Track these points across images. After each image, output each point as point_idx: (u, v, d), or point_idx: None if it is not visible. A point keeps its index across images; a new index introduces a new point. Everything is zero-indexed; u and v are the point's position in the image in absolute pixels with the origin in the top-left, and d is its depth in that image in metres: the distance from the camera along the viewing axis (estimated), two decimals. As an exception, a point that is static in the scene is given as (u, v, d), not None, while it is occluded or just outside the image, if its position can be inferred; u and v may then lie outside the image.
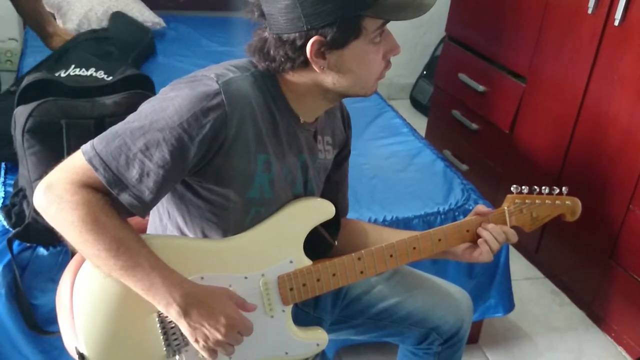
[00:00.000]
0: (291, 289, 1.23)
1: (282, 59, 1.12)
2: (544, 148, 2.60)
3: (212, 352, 1.12)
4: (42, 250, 1.66)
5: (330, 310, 1.44)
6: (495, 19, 2.89)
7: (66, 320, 1.21)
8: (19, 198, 1.68)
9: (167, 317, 1.12)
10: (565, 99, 2.46)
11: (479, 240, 1.32)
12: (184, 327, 1.09)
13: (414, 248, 1.30)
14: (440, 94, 3.44)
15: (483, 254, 1.32)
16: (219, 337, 1.09)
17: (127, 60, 2.52)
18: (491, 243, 1.31)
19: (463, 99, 3.13)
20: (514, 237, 1.34)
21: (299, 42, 1.09)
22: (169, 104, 1.07)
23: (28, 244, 1.65)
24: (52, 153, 1.58)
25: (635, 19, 2.11)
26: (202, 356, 1.17)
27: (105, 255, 1.04)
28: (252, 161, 1.15)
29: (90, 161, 1.06)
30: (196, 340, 1.10)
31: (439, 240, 1.32)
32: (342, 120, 1.39)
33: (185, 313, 1.07)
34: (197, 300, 1.08)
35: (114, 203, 1.08)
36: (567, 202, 1.39)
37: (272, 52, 1.12)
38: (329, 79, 1.14)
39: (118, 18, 3.01)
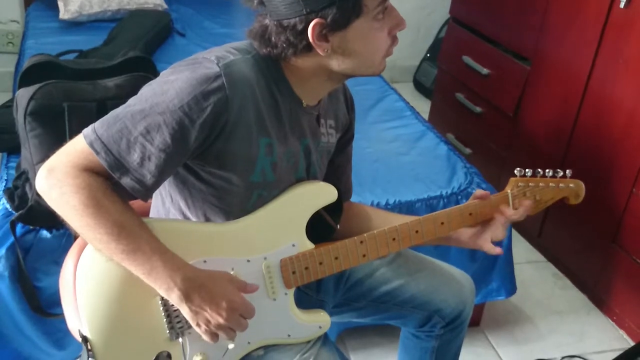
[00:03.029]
0: (294, 272, 1.23)
1: (284, 45, 1.11)
2: (548, 131, 2.59)
3: (213, 336, 1.12)
4: (45, 233, 1.66)
5: (332, 293, 1.44)
6: (500, 0, 2.87)
7: (69, 303, 1.21)
8: (22, 181, 1.68)
9: (169, 300, 1.12)
10: (569, 82, 2.44)
11: (497, 219, 1.32)
12: (185, 311, 1.09)
13: (417, 231, 1.30)
14: (443, 76, 3.42)
15: (498, 235, 1.32)
16: (221, 320, 1.09)
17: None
18: (504, 227, 1.32)
19: (467, 81, 3.11)
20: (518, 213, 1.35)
21: (299, 27, 1.08)
22: (169, 87, 1.07)
23: (31, 227, 1.66)
24: (54, 136, 1.58)
25: (642, 1, 2.10)
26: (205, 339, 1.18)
27: (107, 239, 1.04)
28: (254, 144, 1.14)
29: (91, 145, 1.05)
30: (198, 325, 1.10)
31: (442, 223, 1.32)
32: (346, 104, 1.38)
33: (187, 297, 1.07)
34: (198, 284, 1.08)
35: (115, 187, 1.08)
36: (570, 185, 1.38)
37: (273, 38, 1.11)
38: (334, 62, 1.13)
39: (128, 21, 2.99)
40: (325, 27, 1.07)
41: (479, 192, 1.37)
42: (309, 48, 1.11)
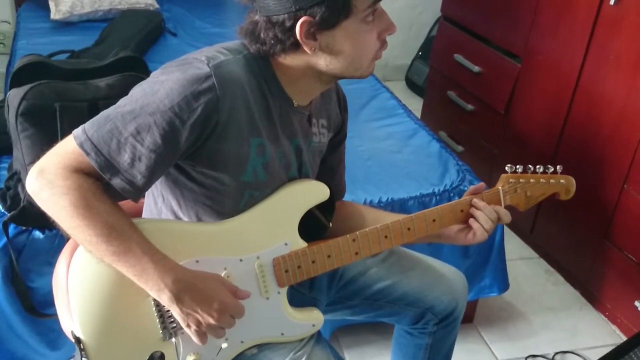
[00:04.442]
0: (286, 271, 1.24)
1: (272, 41, 1.11)
2: (539, 128, 2.60)
3: (204, 336, 1.12)
4: (38, 234, 1.66)
5: (326, 291, 1.45)
6: (491, -2, 2.88)
7: (63, 304, 1.21)
8: (14, 181, 1.68)
9: (161, 300, 1.12)
10: (560, 79, 2.45)
11: (470, 220, 1.31)
12: (176, 312, 1.09)
13: (409, 229, 1.31)
14: (435, 74, 3.42)
15: (476, 234, 1.31)
16: (212, 321, 1.09)
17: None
18: (483, 222, 1.30)
19: (458, 79, 3.12)
20: (506, 216, 1.33)
21: (288, 23, 1.08)
22: (159, 87, 1.07)
23: (24, 227, 1.66)
24: (46, 136, 1.58)
25: (631, -2, 2.11)
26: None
27: (97, 241, 1.04)
28: (245, 145, 1.14)
29: (81, 146, 1.05)
30: (188, 325, 1.10)
31: (433, 220, 1.32)
32: (338, 103, 1.38)
33: (178, 298, 1.07)
34: (189, 285, 1.08)
35: (106, 188, 1.08)
36: (561, 181, 1.39)
37: (262, 34, 1.11)
38: (322, 61, 1.13)
39: (119, 21, 2.98)
40: (313, 25, 1.07)
41: (473, 187, 1.37)
42: (296, 45, 1.11)
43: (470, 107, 3.03)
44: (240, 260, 1.20)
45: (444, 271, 1.53)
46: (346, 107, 1.41)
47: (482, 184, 1.38)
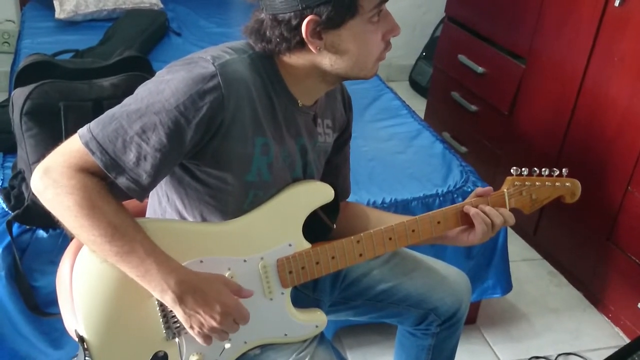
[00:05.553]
0: (290, 272, 1.23)
1: (278, 40, 1.11)
2: (543, 130, 2.59)
3: (207, 338, 1.12)
4: (41, 233, 1.66)
5: (329, 292, 1.45)
6: (496, -1, 2.87)
7: (66, 303, 1.21)
8: (18, 180, 1.68)
9: (165, 301, 1.12)
10: (564, 81, 2.45)
11: (475, 222, 1.31)
12: (179, 313, 1.09)
13: (413, 231, 1.31)
14: (439, 75, 3.42)
15: (477, 236, 1.31)
16: (214, 324, 1.09)
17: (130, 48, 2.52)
18: (487, 224, 1.31)
19: (462, 80, 3.12)
20: (510, 219, 1.33)
21: (294, 22, 1.08)
22: (165, 86, 1.07)
23: (27, 227, 1.66)
24: (50, 135, 1.58)
25: (636, 0, 2.10)
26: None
27: (101, 241, 1.04)
28: (250, 144, 1.14)
29: (86, 145, 1.05)
30: (191, 327, 1.11)
31: (438, 222, 1.32)
32: (343, 103, 1.38)
33: (181, 300, 1.08)
34: (192, 287, 1.08)
35: (111, 187, 1.08)
36: (567, 184, 1.38)
37: (268, 33, 1.11)
38: (326, 61, 1.13)
39: (124, 20, 2.99)
40: (319, 24, 1.07)
41: (479, 189, 1.37)
42: (302, 44, 1.11)
43: (474, 107, 3.03)
44: (244, 260, 1.20)
45: (448, 272, 1.53)
46: (351, 107, 1.41)
47: (489, 187, 1.37)
